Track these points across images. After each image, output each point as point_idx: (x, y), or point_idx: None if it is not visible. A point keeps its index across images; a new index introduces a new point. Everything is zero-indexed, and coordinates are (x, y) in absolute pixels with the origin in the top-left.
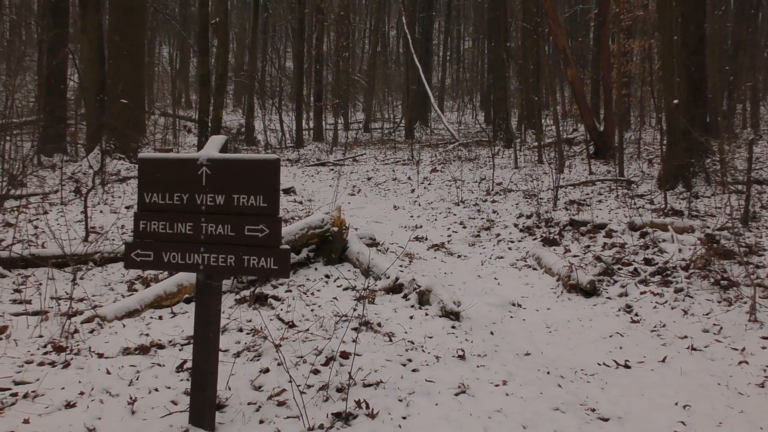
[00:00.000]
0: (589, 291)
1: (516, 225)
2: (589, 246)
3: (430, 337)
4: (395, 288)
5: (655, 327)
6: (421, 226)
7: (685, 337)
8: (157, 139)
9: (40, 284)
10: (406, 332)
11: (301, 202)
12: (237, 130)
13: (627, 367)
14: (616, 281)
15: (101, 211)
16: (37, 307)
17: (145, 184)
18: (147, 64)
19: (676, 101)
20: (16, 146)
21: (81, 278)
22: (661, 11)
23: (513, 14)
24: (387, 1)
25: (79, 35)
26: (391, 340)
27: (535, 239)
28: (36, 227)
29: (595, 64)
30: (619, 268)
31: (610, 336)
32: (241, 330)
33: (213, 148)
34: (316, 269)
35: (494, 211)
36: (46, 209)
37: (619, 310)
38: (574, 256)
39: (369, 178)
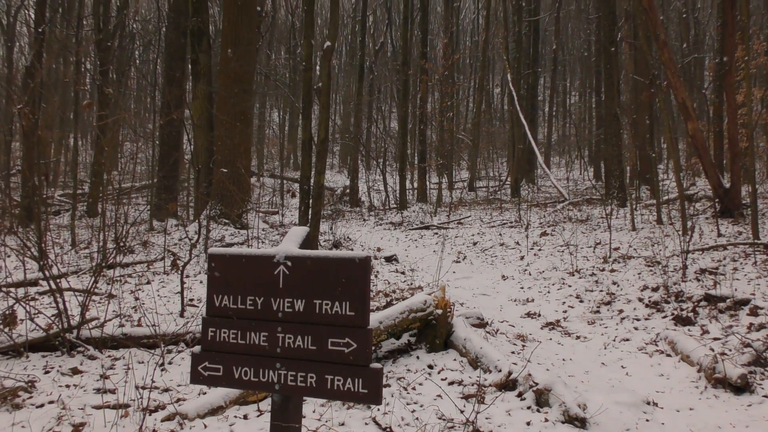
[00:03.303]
0: (741, 387)
1: (641, 299)
2: (731, 326)
3: None
4: (508, 384)
5: None
6: (532, 300)
7: None
8: (264, 201)
9: (128, 369)
10: None
11: (403, 273)
12: (342, 192)
13: None
14: None
15: (201, 282)
16: (121, 397)
17: (216, 285)
18: (258, 127)
19: None
20: (137, 210)
21: (170, 362)
22: None
23: (623, 66)
24: (491, 59)
25: (191, 103)
26: None
27: (664, 317)
28: (137, 299)
29: (717, 115)
30: None
31: None
32: None
33: (292, 242)
34: (418, 357)
35: (614, 282)
36: (149, 279)
37: None
38: (715, 339)
39: (474, 243)
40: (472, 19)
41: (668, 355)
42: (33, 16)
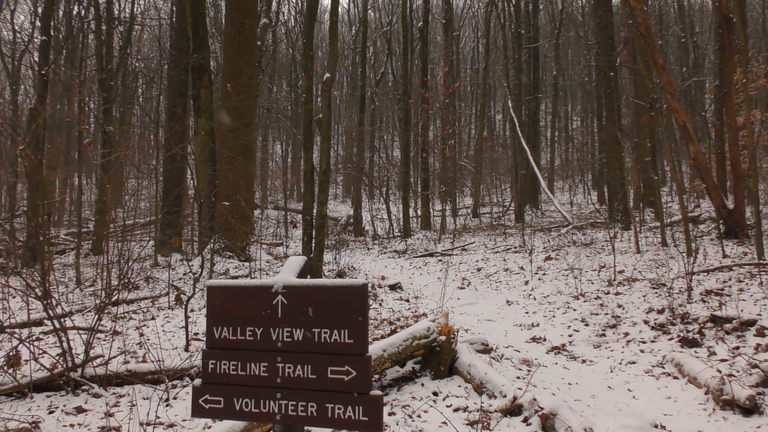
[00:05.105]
0: (750, 408)
1: (646, 322)
2: (738, 348)
3: None
4: (513, 409)
5: None
6: (537, 325)
7: None
8: (268, 233)
9: (133, 405)
10: None
11: (407, 300)
12: (345, 221)
13: None
14: None
15: (206, 315)
16: None
17: (215, 317)
18: (261, 160)
19: None
20: (142, 247)
21: (175, 398)
22: None
23: (623, 91)
24: (492, 86)
25: (194, 138)
26: None
27: (670, 339)
28: (141, 335)
29: (718, 137)
30: None
31: None
32: None
33: (290, 272)
34: (422, 385)
35: (619, 305)
36: (153, 314)
37: None
38: (722, 360)
39: (479, 269)
40: (472, 47)
41: (675, 378)
42: (37, 59)
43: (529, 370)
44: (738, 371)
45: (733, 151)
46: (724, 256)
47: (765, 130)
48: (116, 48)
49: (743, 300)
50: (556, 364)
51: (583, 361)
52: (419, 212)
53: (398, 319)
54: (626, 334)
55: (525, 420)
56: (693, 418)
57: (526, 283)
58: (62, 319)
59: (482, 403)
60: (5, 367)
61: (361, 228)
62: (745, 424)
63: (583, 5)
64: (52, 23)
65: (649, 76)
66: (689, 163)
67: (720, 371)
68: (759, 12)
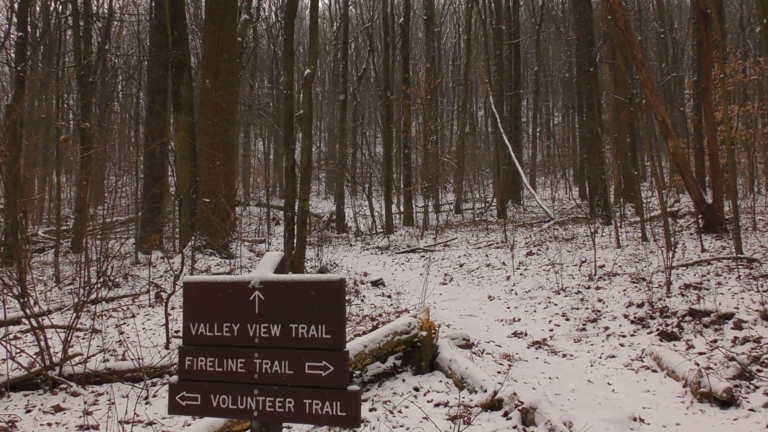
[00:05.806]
0: (726, 401)
1: (626, 316)
2: (715, 341)
3: None
4: (494, 404)
5: None
6: (519, 320)
7: None
8: (251, 230)
9: (112, 404)
10: None
11: (389, 296)
12: (328, 218)
13: None
14: (757, 387)
15: (182, 311)
16: None
17: (191, 313)
18: (243, 156)
19: None
20: (121, 243)
21: (154, 395)
22: None
23: (604, 86)
24: (474, 82)
25: (174, 134)
26: None
27: (650, 332)
28: (122, 332)
29: (697, 132)
30: (759, 370)
31: None
32: None
33: (267, 267)
34: (403, 380)
35: (599, 300)
36: (134, 312)
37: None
38: (700, 353)
39: (461, 265)
40: (454, 43)
41: (654, 371)
42: (13, 55)
43: (510, 365)
44: (716, 364)
45: (712, 146)
46: (703, 250)
47: (743, 125)
48: (95, 44)
49: (721, 294)
50: (537, 358)
51: (564, 356)
52: (402, 208)
53: (380, 315)
54: (606, 328)
55: (505, 414)
56: (671, 410)
57: (508, 278)
58: (40, 318)
59: (463, 398)
60: None
61: (343, 224)
62: (722, 416)
63: (563, 1)
64: (29, 19)
65: (628, 72)
66: (668, 158)
67: (698, 364)
68: (736, 8)
